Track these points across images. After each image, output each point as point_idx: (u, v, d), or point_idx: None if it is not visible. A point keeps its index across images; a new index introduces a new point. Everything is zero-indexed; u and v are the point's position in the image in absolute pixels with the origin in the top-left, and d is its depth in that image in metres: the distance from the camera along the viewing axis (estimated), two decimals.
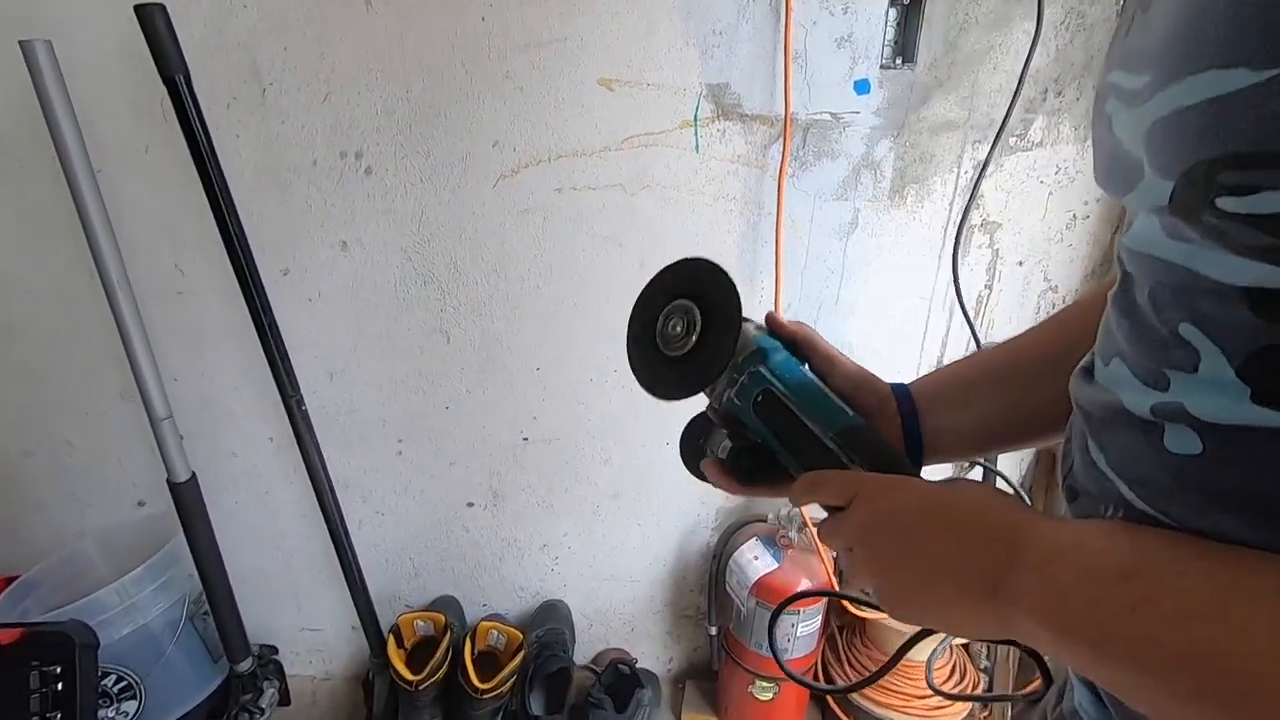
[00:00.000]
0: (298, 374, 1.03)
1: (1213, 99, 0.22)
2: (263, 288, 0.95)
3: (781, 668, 0.54)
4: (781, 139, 0.97)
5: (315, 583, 1.27)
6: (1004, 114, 0.94)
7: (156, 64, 0.75)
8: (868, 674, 1.18)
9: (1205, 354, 0.25)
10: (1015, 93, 0.93)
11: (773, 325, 0.49)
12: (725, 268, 0.45)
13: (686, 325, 0.47)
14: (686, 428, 0.55)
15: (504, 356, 1.10)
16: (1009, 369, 0.45)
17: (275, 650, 1.27)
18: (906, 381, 0.49)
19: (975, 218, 1.04)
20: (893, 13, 0.93)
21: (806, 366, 0.49)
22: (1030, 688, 0.42)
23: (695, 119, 0.97)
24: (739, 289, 0.45)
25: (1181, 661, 0.24)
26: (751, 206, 1.01)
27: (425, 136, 0.96)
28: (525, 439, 1.16)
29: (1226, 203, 0.22)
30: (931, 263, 1.05)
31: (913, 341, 1.10)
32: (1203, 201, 0.23)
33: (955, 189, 1.01)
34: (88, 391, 1.12)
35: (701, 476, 0.51)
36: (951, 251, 1.02)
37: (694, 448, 0.54)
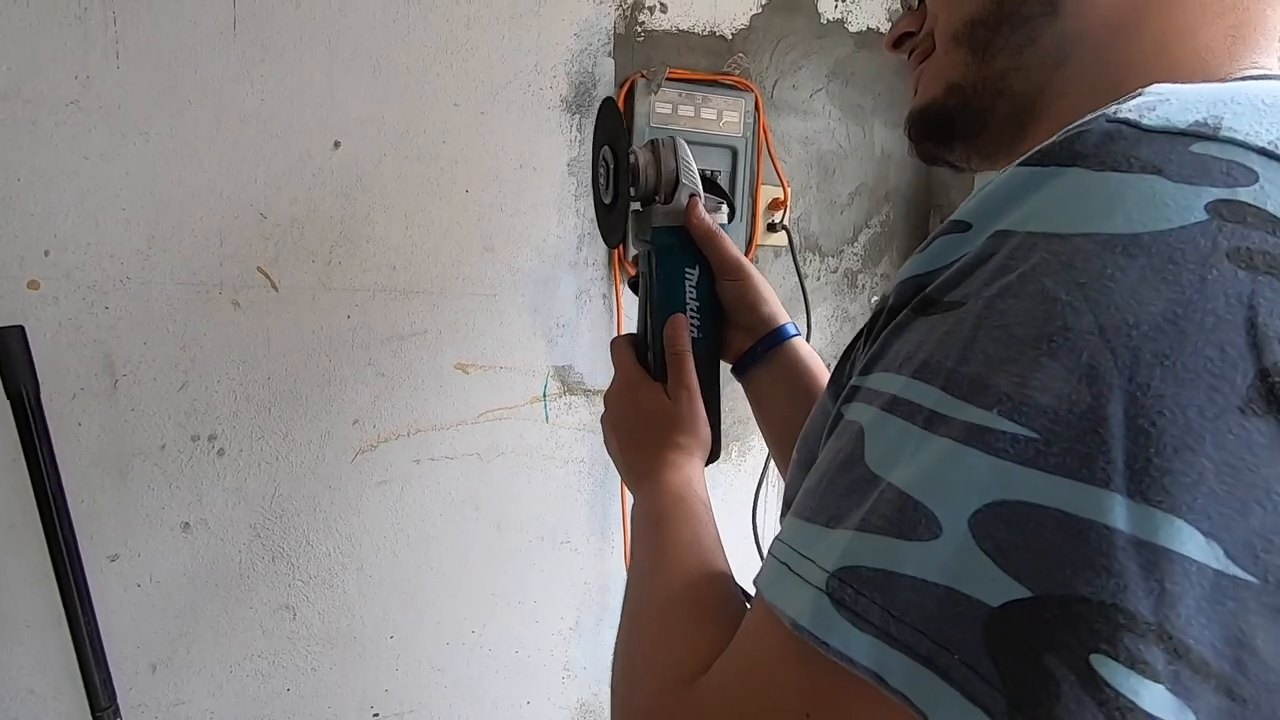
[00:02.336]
0: (115, 668, 0.94)
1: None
2: (85, 581, 0.89)
3: None
4: None
5: None
6: None
7: (3, 382, 0.76)
8: None
9: None
10: None
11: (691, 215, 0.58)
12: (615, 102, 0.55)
13: (606, 174, 0.55)
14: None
15: (355, 627, 1.07)
16: None
17: None
18: (799, 334, 0.62)
19: None
20: None
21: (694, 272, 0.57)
22: None
23: (544, 395, 1.09)
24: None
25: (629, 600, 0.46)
26: (599, 467, 1.12)
27: (284, 418, 1.00)
28: (376, 715, 1.10)
29: None
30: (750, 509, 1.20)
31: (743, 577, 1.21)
32: None
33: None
34: None
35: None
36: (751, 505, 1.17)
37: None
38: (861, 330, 0.35)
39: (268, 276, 0.97)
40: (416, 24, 0.98)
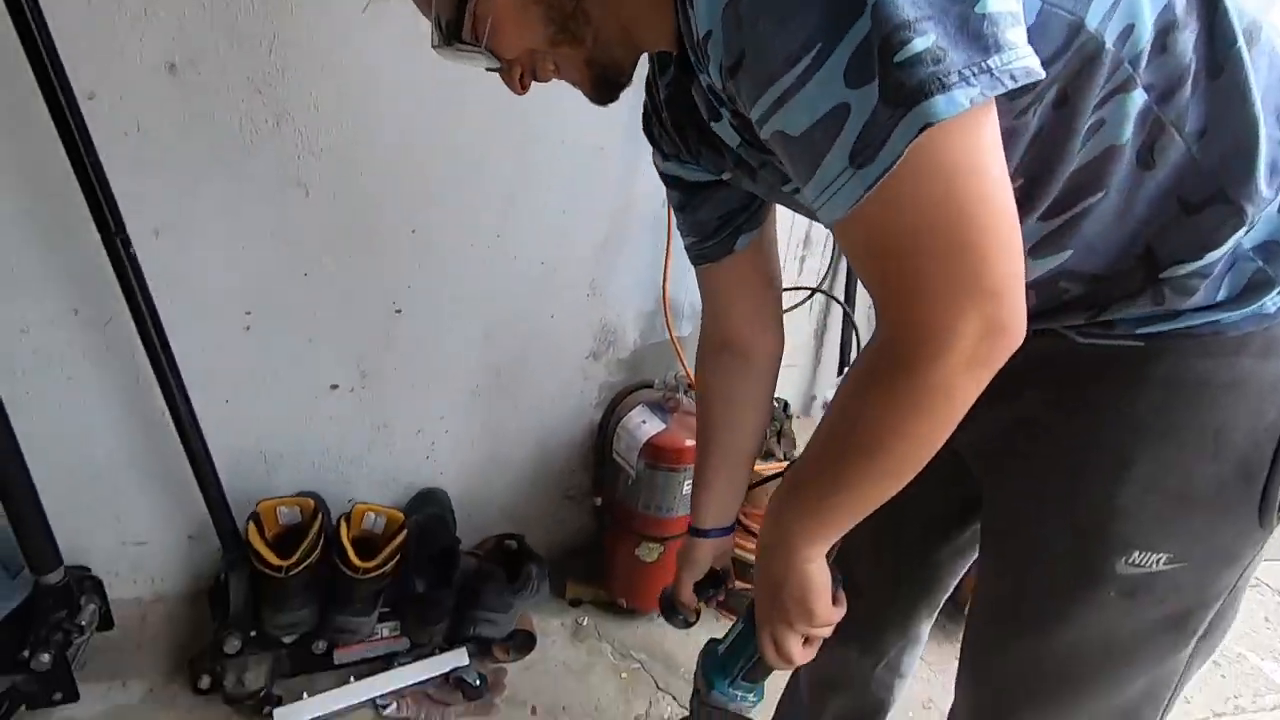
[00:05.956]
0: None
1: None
2: (77, 106, 0.78)
3: None
4: None
5: (137, 488, 1.09)
6: None
7: None
8: (752, 532, 1.25)
9: None
10: None
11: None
12: None
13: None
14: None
15: (374, 215, 1.00)
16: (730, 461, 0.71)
17: (88, 570, 1.08)
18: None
19: None
20: None
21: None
22: None
23: None
24: None
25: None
26: None
27: None
28: (398, 311, 1.07)
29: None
30: None
31: None
32: None
33: None
34: None
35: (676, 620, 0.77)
36: None
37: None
38: None
39: None
40: None
